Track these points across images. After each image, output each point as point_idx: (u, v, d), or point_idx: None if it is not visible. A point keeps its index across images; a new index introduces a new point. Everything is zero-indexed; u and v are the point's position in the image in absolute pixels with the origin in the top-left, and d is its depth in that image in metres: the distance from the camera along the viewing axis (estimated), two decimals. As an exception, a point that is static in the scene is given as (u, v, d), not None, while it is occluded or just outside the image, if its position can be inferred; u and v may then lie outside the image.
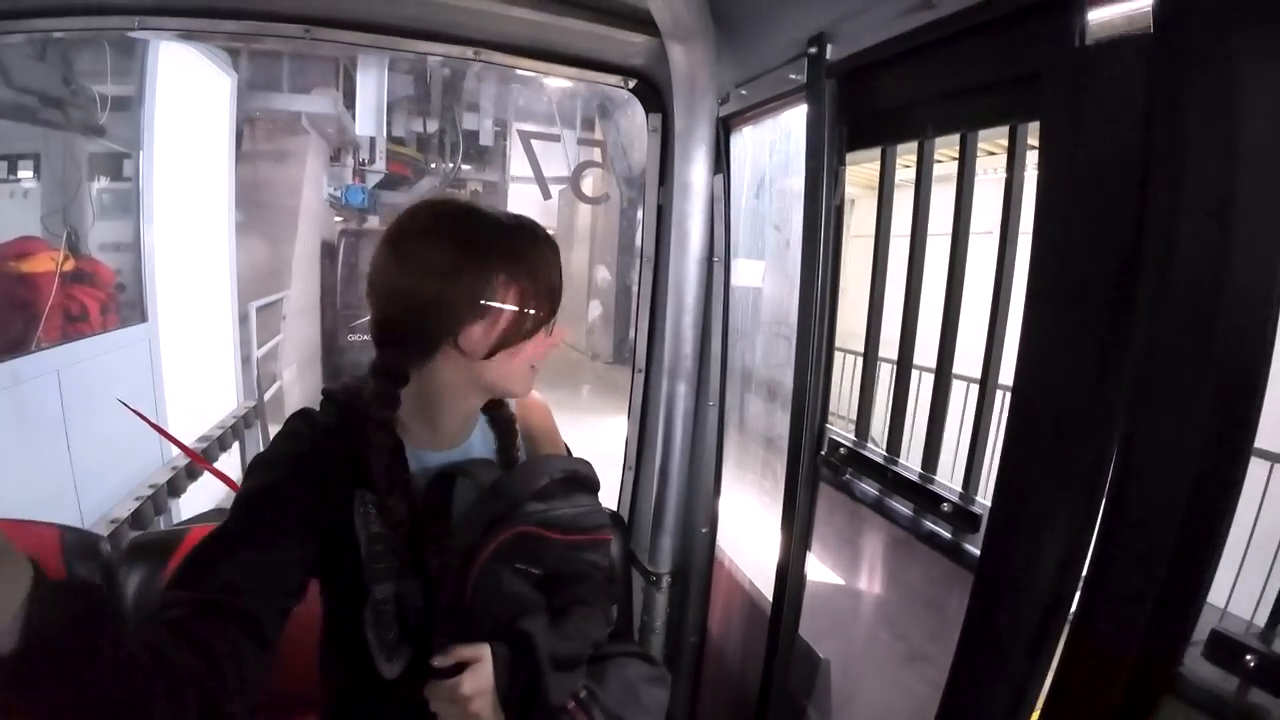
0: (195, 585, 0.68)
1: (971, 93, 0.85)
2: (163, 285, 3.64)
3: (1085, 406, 0.66)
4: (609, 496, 1.66)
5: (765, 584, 1.19)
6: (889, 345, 1.02)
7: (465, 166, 10.95)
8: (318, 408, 0.83)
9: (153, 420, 2.97)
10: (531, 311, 0.78)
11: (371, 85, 6.98)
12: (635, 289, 1.54)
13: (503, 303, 0.77)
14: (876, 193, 1.02)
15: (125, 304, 3.54)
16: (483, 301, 0.76)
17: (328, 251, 7.98)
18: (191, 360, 4.03)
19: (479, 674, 0.76)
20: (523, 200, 11.38)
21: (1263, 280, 0.55)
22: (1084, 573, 0.66)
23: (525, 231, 0.80)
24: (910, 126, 0.94)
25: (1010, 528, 0.73)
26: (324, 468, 0.77)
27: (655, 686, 0.95)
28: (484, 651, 0.78)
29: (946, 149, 0.98)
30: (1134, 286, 0.61)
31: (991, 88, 0.82)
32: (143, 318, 3.56)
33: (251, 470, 0.78)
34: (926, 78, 0.89)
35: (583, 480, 0.90)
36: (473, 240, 0.78)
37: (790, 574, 1.08)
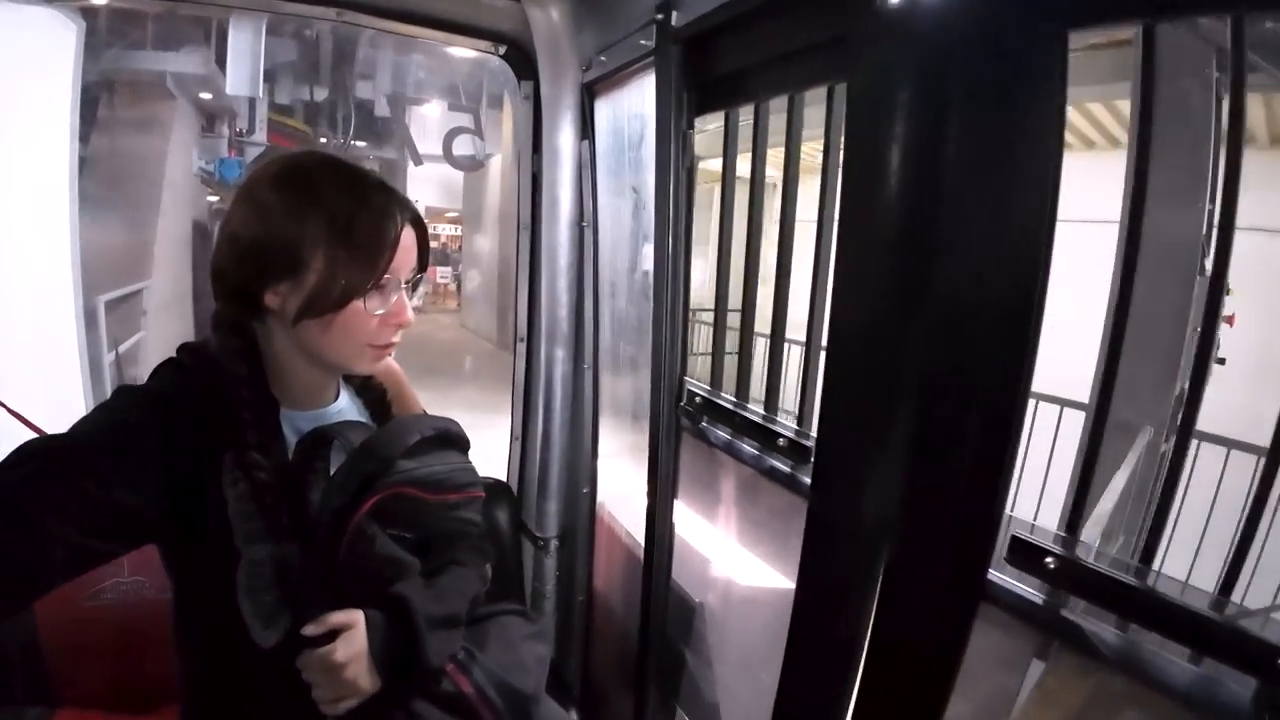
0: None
1: (796, 56, 0.92)
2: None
3: (890, 351, 0.73)
4: (498, 469, 1.71)
5: (642, 536, 1.26)
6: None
7: (360, 143, 10.40)
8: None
9: None
10: (342, 280, 0.75)
11: (245, 41, 6.24)
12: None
13: (310, 263, 0.74)
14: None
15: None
16: (289, 259, 0.74)
17: (200, 233, 7.30)
18: (21, 370, 3.52)
19: (352, 640, 0.77)
20: (426, 180, 10.98)
21: (1039, 228, 0.62)
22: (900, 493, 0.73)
23: (358, 195, 0.77)
24: (747, 90, 1.01)
25: (833, 456, 0.82)
26: (182, 414, 0.75)
27: (536, 642, 0.98)
28: (357, 617, 0.78)
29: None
30: (930, 241, 0.68)
31: (812, 51, 0.90)
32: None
33: (107, 403, 0.77)
34: (759, 42, 0.96)
35: (453, 438, 0.91)
36: (295, 190, 0.76)
37: (658, 522, 1.16)
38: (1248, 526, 0.65)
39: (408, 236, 0.80)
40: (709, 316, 1.24)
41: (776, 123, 1.06)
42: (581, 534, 1.51)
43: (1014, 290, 0.64)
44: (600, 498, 1.49)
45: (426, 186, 10.96)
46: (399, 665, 0.80)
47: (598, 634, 1.53)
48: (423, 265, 0.85)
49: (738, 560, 1.10)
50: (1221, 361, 2.23)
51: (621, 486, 1.36)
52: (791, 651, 0.87)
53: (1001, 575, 0.70)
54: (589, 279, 1.36)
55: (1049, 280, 0.63)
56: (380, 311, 0.78)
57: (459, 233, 11.99)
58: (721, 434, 1.07)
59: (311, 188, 0.76)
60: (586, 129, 1.37)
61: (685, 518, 1.19)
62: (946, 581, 0.70)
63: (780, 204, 1.00)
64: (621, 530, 1.39)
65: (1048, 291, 0.63)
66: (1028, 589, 0.70)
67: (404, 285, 0.81)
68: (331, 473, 0.81)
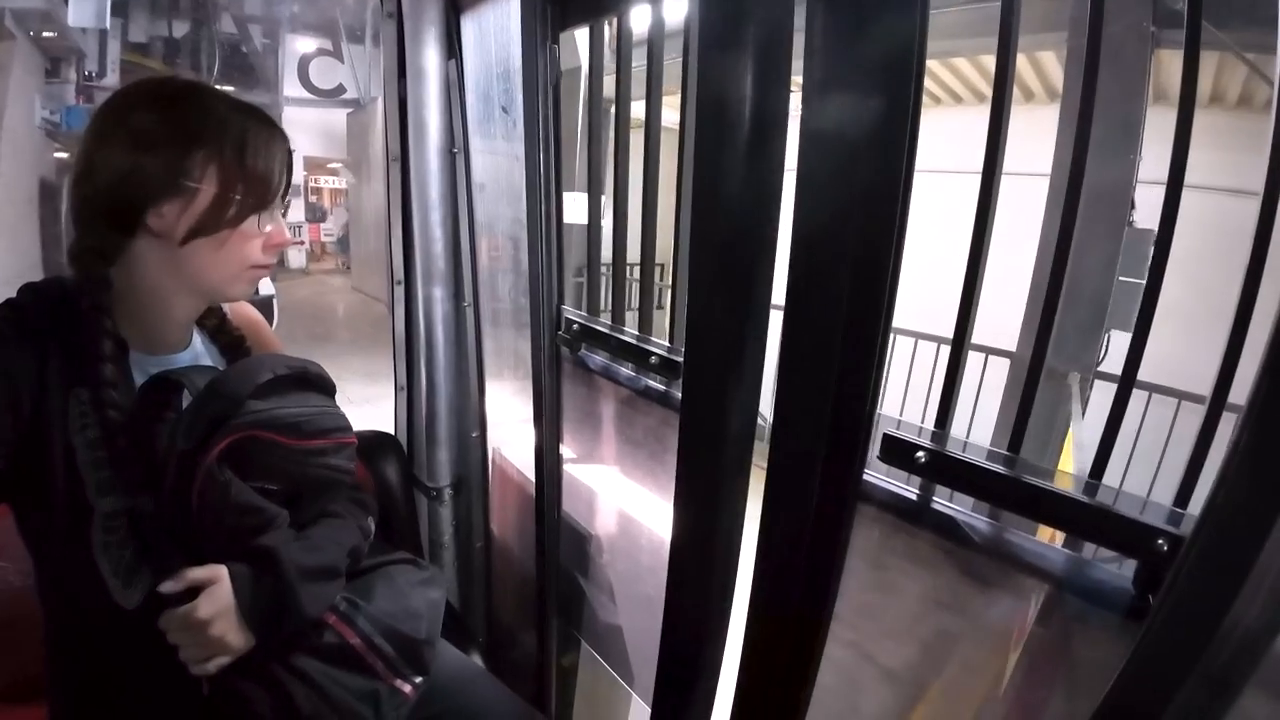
0: None
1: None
2: None
3: (749, 265, 0.75)
4: (385, 422, 1.65)
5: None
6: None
7: (228, 87, 9.51)
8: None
9: None
10: (238, 196, 0.75)
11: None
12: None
13: (201, 180, 0.74)
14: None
15: None
16: (180, 177, 0.73)
17: (47, 194, 6.52)
18: None
19: (216, 596, 0.74)
20: (303, 125, 10.18)
21: (900, 138, 0.62)
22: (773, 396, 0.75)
23: (244, 113, 0.77)
24: (608, 3, 0.98)
25: (699, 368, 0.84)
26: (22, 352, 0.71)
27: (427, 588, 0.97)
28: (219, 572, 0.75)
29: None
30: (779, 153, 0.70)
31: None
32: None
33: None
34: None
35: (313, 380, 0.88)
36: (179, 111, 0.75)
37: (546, 456, 1.16)
38: (1115, 409, 0.70)
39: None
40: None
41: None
42: (475, 480, 1.50)
43: (878, 188, 0.64)
44: (495, 442, 1.48)
45: (305, 134, 10.19)
46: (271, 620, 0.77)
47: (498, 578, 1.53)
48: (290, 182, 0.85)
49: (623, 485, 1.12)
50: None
51: (512, 427, 1.35)
52: (674, 565, 0.91)
53: (878, 474, 0.74)
54: (464, 210, 1.30)
55: (912, 179, 0.63)
56: (269, 229, 0.80)
57: (343, 185, 11.24)
58: (600, 359, 1.07)
59: (196, 107, 0.76)
60: (453, 47, 1.29)
61: (573, 449, 1.20)
62: (822, 484, 0.73)
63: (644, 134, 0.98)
64: (514, 471, 1.38)
65: (911, 189, 0.63)
66: (905, 487, 0.75)
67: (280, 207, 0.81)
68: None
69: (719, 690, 0.93)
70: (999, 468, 0.65)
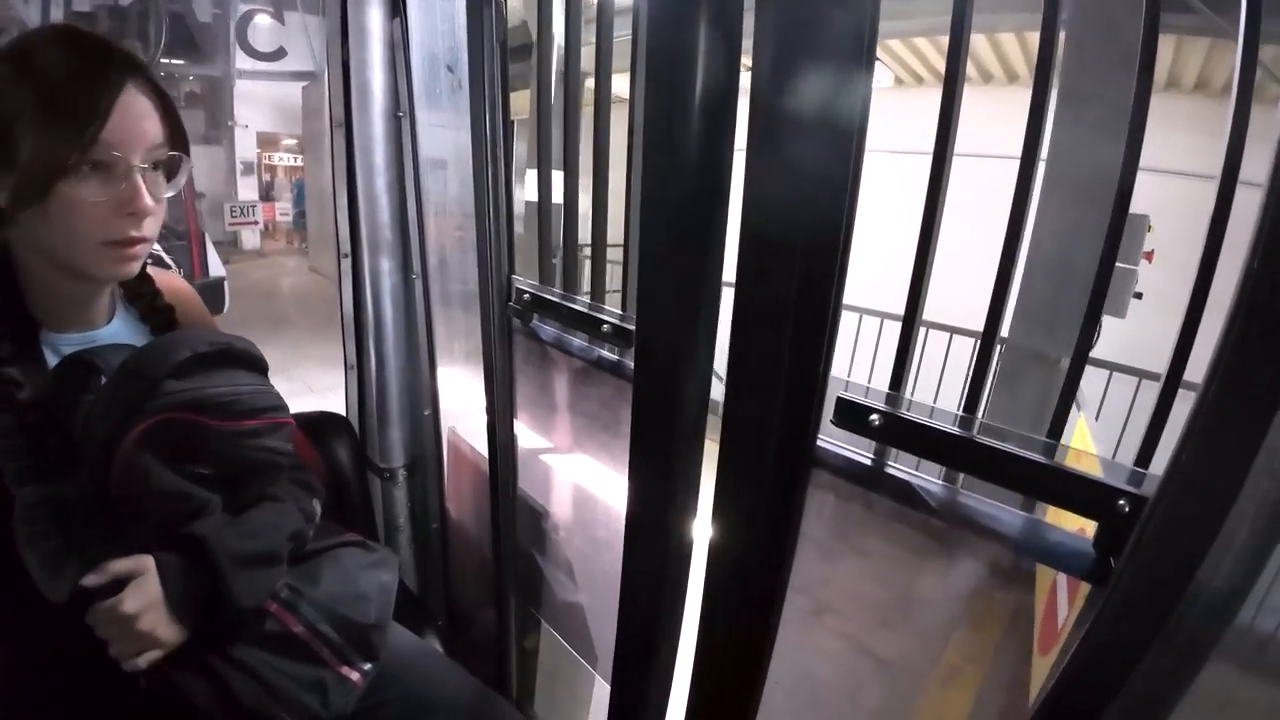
0: None
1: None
2: None
3: (701, 228, 0.73)
4: (337, 404, 1.60)
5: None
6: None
7: (177, 60, 9.09)
8: None
9: None
10: (44, 158, 0.65)
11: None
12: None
13: (21, 144, 0.65)
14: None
15: None
16: (2, 143, 0.66)
17: None
18: None
19: (142, 588, 0.71)
20: (257, 100, 9.82)
21: (855, 100, 0.61)
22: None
23: (78, 52, 0.68)
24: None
25: (652, 335, 0.82)
26: None
27: (377, 571, 0.94)
28: (145, 563, 0.72)
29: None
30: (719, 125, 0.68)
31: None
32: None
33: None
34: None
35: (240, 356, 0.83)
36: (10, 65, 0.67)
37: (499, 431, 1.13)
38: (1072, 372, 0.70)
39: (135, 104, 0.70)
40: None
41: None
42: (429, 460, 1.46)
43: (831, 150, 0.62)
44: (449, 421, 1.44)
45: (258, 109, 9.84)
46: (203, 611, 0.75)
47: (456, 560, 1.51)
48: (176, 144, 0.75)
49: (578, 459, 1.10)
50: (1138, 295, 2.46)
51: (465, 404, 1.31)
52: (630, 538, 0.89)
53: (833, 440, 0.73)
54: (410, 176, 1.25)
55: (865, 141, 0.62)
56: (100, 199, 0.68)
57: (299, 162, 10.88)
58: (552, 330, 1.04)
59: (25, 58, 0.67)
60: (397, 6, 1.23)
61: (527, 423, 1.17)
62: (776, 451, 0.72)
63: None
64: (468, 449, 1.35)
65: (864, 153, 0.62)
66: (861, 452, 0.73)
67: (140, 168, 0.70)
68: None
69: (678, 663, 0.92)
70: (953, 428, 0.64)
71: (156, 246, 0.83)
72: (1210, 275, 0.59)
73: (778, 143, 0.65)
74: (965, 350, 3.43)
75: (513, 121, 1.00)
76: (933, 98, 0.66)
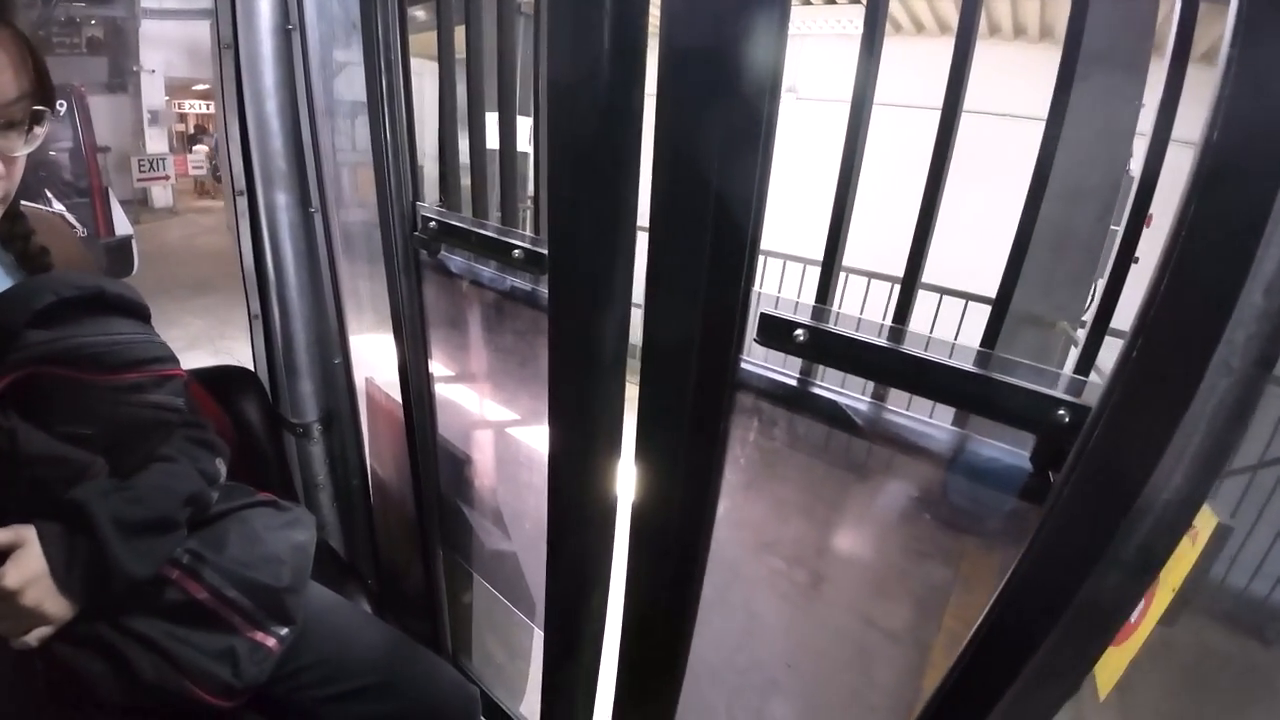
0: None
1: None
2: None
3: (612, 155, 0.69)
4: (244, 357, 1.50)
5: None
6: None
7: (77, 2, 8.26)
8: None
9: None
10: None
11: None
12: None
13: None
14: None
15: None
16: None
17: None
18: None
19: (23, 561, 0.67)
20: (166, 43, 9.08)
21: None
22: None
23: None
24: None
25: (565, 257, 0.76)
26: None
27: (290, 531, 0.90)
28: (26, 533, 0.68)
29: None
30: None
31: None
32: None
33: None
34: None
35: (113, 301, 0.76)
36: None
37: (411, 373, 1.06)
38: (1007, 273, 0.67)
39: None
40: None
41: None
42: (345, 412, 1.38)
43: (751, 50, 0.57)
44: (366, 370, 1.36)
45: (167, 52, 9.11)
46: (92, 583, 0.70)
47: (380, 515, 1.45)
48: (41, 95, 0.69)
49: (497, 397, 1.05)
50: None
51: (377, 349, 1.23)
52: (553, 474, 0.85)
53: (756, 361, 0.69)
54: (303, 98, 1.14)
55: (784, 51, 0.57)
56: None
57: (212, 109, 10.17)
58: (461, 260, 0.97)
59: None
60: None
61: (442, 363, 1.10)
62: (698, 374, 0.69)
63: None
64: (384, 398, 1.28)
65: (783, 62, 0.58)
66: (787, 372, 0.70)
67: None
68: None
69: (610, 600, 0.90)
70: (880, 340, 0.61)
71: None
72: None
73: (692, 50, 0.60)
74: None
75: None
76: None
